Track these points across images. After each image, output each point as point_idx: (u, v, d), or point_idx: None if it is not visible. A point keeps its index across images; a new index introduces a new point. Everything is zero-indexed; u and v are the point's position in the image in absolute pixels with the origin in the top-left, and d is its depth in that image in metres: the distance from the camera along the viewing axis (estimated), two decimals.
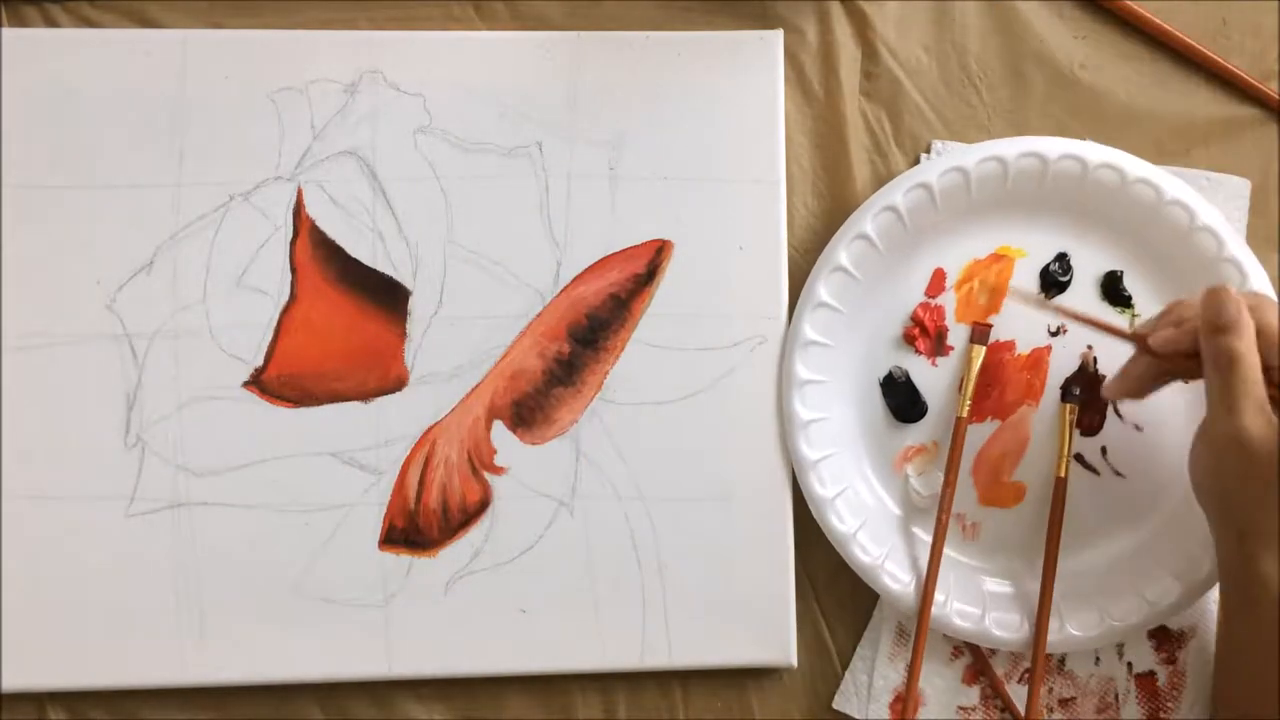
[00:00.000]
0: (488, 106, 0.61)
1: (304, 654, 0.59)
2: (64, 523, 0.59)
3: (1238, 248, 0.59)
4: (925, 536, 0.60)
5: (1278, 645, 0.51)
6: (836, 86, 0.62)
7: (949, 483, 0.60)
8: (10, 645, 0.58)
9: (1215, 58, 0.63)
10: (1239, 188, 0.63)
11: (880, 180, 0.62)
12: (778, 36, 0.62)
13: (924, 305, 0.61)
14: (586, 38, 0.61)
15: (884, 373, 0.61)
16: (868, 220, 0.60)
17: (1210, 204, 0.60)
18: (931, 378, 0.61)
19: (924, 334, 0.61)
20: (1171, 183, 0.59)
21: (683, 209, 0.61)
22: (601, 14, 0.62)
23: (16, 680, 0.58)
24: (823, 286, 0.60)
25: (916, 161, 0.62)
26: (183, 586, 0.59)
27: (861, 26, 0.63)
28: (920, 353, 0.61)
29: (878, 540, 0.60)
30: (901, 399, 0.61)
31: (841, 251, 0.60)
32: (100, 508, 0.59)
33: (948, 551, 0.60)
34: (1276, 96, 0.63)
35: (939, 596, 0.59)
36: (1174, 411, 0.61)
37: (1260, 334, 0.50)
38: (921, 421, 0.61)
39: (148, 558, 0.59)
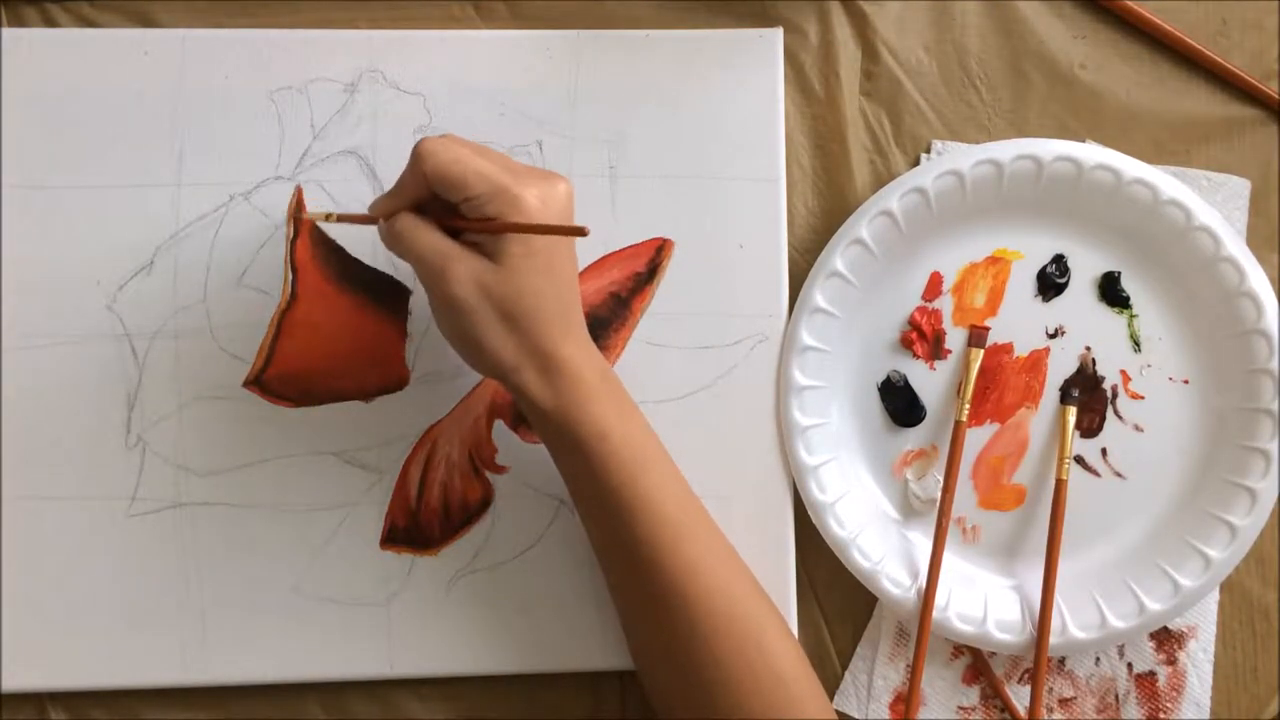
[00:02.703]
0: (488, 106, 0.61)
1: (305, 654, 0.59)
2: (64, 523, 0.59)
3: (1235, 247, 0.59)
4: (925, 540, 0.60)
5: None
6: (836, 86, 0.62)
7: (948, 487, 0.60)
8: (10, 645, 0.58)
9: (1215, 58, 0.63)
10: (1239, 188, 0.63)
11: (880, 180, 0.62)
12: (778, 35, 0.62)
13: (921, 309, 0.61)
14: (586, 37, 0.61)
15: (882, 377, 0.61)
16: (863, 225, 0.60)
17: (1208, 203, 0.60)
18: (930, 381, 0.61)
19: (921, 338, 0.61)
20: (1168, 183, 0.60)
21: (683, 208, 0.61)
22: (601, 13, 0.62)
23: (17, 680, 0.58)
24: (819, 292, 0.60)
25: (917, 162, 0.62)
26: (184, 586, 0.59)
27: (861, 26, 0.63)
28: (918, 357, 0.61)
29: (877, 545, 0.60)
30: (900, 403, 0.61)
31: (837, 257, 0.60)
32: (101, 508, 0.59)
33: (948, 555, 0.60)
34: (1276, 96, 0.63)
35: (939, 600, 0.59)
36: (1174, 413, 0.61)
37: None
38: (920, 425, 0.61)
39: (149, 557, 0.59)
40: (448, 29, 0.62)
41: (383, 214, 0.52)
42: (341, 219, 0.56)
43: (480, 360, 0.51)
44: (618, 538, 0.53)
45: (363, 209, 0.60)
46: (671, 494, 0.54)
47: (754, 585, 0.55)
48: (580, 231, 0.47)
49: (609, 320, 0.61)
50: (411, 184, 0.51)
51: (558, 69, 0.61)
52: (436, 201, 0.51)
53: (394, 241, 0.51)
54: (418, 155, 0.50)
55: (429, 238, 0.50)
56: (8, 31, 0.60)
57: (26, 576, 0.58)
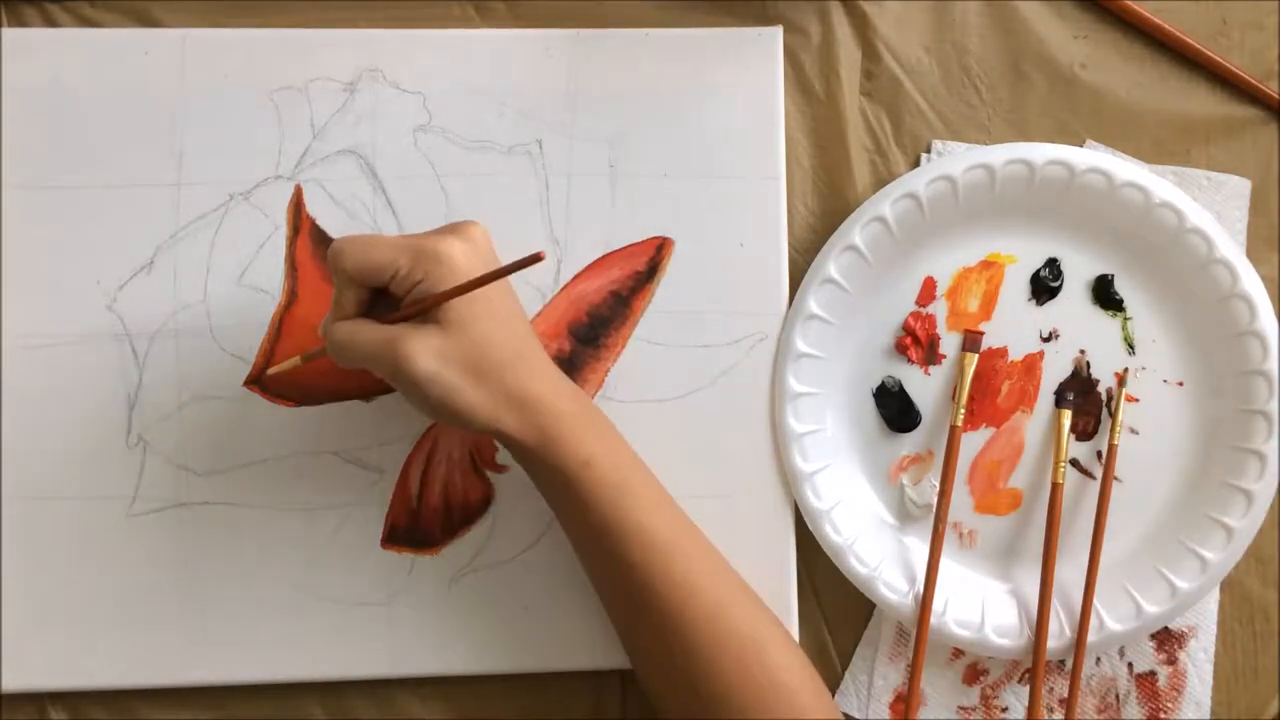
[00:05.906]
0: (487, 105, 0.61)
1: (306, 653, 0.59)
2: (65, 523, 0.59)
3: (1228, 249, 0.59)
4: (921, 545, 0.60)
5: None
6: (837, 86, 0.62)
7: (945, 492, 0.60)
8: (10, 645, 0.58)
9: (1215, 58, 0.63)
10: (1239, 188, 0.63)
11: (880, 180, 0.62)
12: (777, 34, 0.62)
13: (915, 314, 0.61)
14: (586, 36, 0.61)
15: (877, 383, 0.61)
16: (856, 231, 0.60)
17: (1201, 205, 0.60)
18: (924, 387, 0.61)
19: (916, 343, 0.61)
20: (1160, 185, 0.59)
21: (683, 206, 0.61)
22: (601, 13, 0.62)
23: (17, 680, 0.58)
24: (812, 299, 0.60)
25: (917, 162, 0.62)
26: (184, 586, 0.59)
27: (862, 26, 0.63)
28: (913, 362, 0.61)
29: (874, 551, 0.60)
30: (895, 409, 0.61)
31: (830, 263, 0.60)
32: (102, 508, 0.59)
33: (945, 560, 0.60)
34: (1276, 96, 0.63)
35: (937, 605, 0.59)
36: (1169, 415, 0.61)
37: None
38: (915, 431, 0.61)
39: (149, 557, 0.59)
40: (448, 29, 0.62)
41: (325, 331, 0.52)
42: (306, 359, 0.55)
43: (461, 421, 0.51)
44: (611, 564, 0.54)
45: (363, 208, 0.60)
46: (661, 516, 0.54)
47: (753, 599, 0.55)
48: (536, 259, 0.45)
49: (610, 319, 0.61)
50: (344, 290, 0.51)
51: (558, 69, 0.61)
52: (377, 302, 0.51)
53: (339, 351, 0.51)
54: (332, 259, 0.50)
55: (368, 332, 0.50)
56: (8, 31, 0.60)
57: (26, 576, 0.59)
